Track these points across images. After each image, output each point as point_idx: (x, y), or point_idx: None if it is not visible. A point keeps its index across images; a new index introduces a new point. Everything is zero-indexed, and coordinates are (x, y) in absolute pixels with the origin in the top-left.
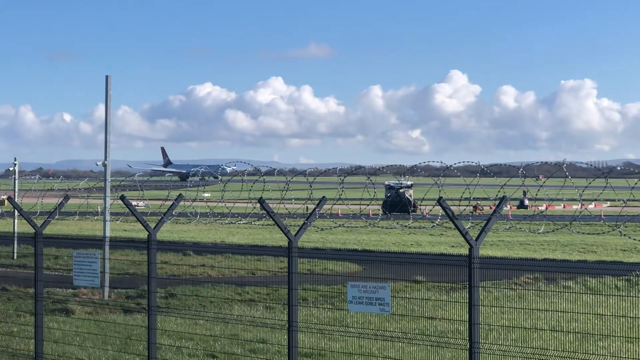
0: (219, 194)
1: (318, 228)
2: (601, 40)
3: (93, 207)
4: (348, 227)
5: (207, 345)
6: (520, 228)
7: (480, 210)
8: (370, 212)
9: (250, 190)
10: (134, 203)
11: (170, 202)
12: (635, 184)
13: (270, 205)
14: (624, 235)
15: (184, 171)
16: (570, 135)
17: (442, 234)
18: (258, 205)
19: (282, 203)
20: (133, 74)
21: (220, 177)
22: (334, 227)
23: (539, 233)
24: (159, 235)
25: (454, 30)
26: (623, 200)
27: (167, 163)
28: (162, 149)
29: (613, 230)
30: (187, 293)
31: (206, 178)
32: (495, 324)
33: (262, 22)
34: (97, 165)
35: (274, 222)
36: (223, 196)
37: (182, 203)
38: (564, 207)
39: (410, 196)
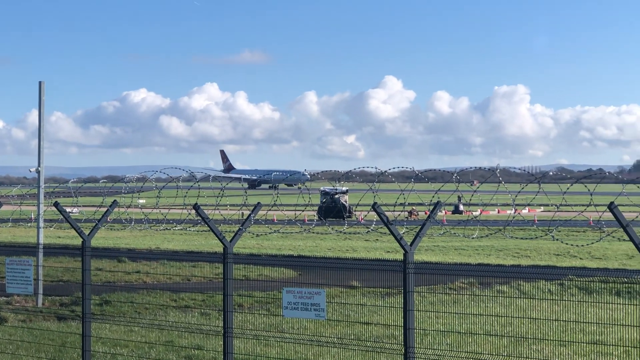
0: (154, 201)
1: (254, 234)
2: (534, 46)
3: (26, 214)
4: (283, 233)
5: (142, 352)
6: (454, 233)
7: (416, 215)
8: (306, 218)
9: (185, 196)
10: (68, 210)
11: (104, 209)
12: (567, 189)
13: (206, 211)
14: (557, 239)
15: (255, 177)
16: (504, 140)
17: (377, 240)
18: (193, 211)
19: (218, 209)
20: (66, 79)
21: (300, 185)
22: (270, 233)
23: (473, 238)
24: (93, 241)
25: (389, 35)
26: (556, 205)
27: (229, 168)
28: (222, 152)
29: (546, 234)
30: (122, 300)
31: (278, 186)
32: (430, 329)
33: (196, 28)
34: (31, 171)
35: (209, 228)
36: (158, 202)
37: (116, 209)
38: (498, 212)
39: (346, 202)
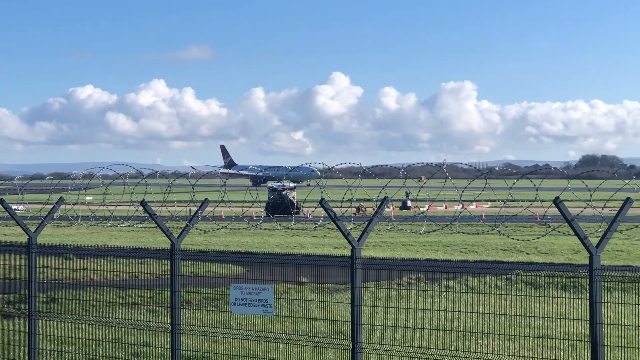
0: (101, 197)
1: (201, 230)
2: (481, 42)
3: None
4: (231, 229)
5: (89, 350)
6: (401, 229)
7: (364, 211)
8: (254, 214)
9: (132, 193)
10: (13, 207)
11: (51, 206)
12: (514, 184)
13: (153, 207)
14: (503, 234)
15: (260, 174)
16: (452, 136)
17: (325, 236)
18: (140, 208)
19: (165, 205)
20: (11, 76)
21: (308, 182)
22: (217, 229)
23: (420, 233)
24: (39, 239)
25: (336, 31)
26: (502, 201)
27: (230, 164)
28: (223, 148)
29: (492, 230)
30: (69, 297)
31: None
32: (378, 324)
33: (142, 24)
34: None
35: (156, 225)
36: (105, 199)
37: (63, 206)
38: (446, 207)
39: (294, 198)
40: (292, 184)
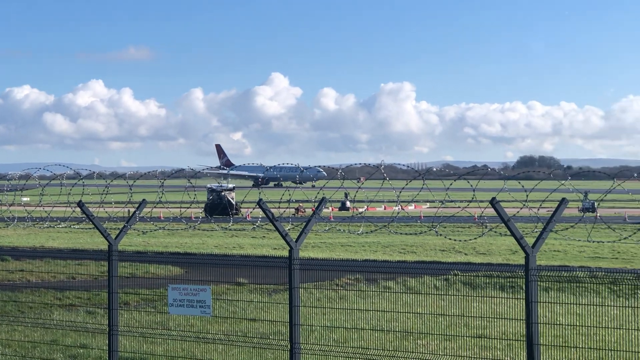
0: (38, 198)
1: (140, 231)
2: (419, 43)
3: None
4: (170, 230)
5: (25, 352)
6: (339, 229)
7: (303, 212)
8: (193, 215)
9: (69, 194)
10: None
11: None
12: (451, 184)
13: (90, 208)
14: (440, 235)
15: (260, 175)
16: (391, 137)
17: (264, 237)
18: (78, 208)
19: (102, 206)
20: None
21: (313, 183)
22: (155, 230)
23: (358, 234)
24: None
25: (275, 32)
26: (440, 202)
27: (227, 164)
28: (218, 147)
29: (430, 230)
30: (5, 299)
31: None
32: (317, 325)
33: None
34: None
35: (94, 226)
36: (41, 200)
37: None
38: (385, 208)
39: (233, 199)
40: (231, 185)
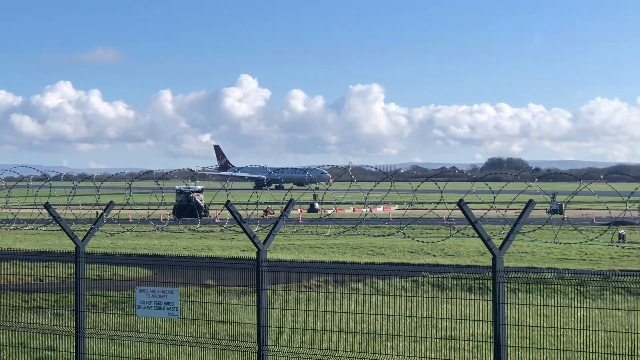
0: (4, 200)
1: (108, 233)
2: (388, 45)
3: None
4: (139, 232)
5: None
6: (307, 231)
7: (271, 214)
8: (161, 217)
9: (36, 195)
10: None
11: None
12: (418, 186)
13: (58, 210)
14: (408, 237)
15: (263, 176)
16: (360, 139)
17: (233, 238)
18: (45, 210)
19: (69, 208)
20: None
21: (317, 185)
22: (123, 232)
23: (326, 236)
24: None
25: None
26: (409, 203)
27: (226, 165)
28: (217, 148)
29: (398, 232)
30: None
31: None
32: (285, 327)
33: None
34: None
35: (61, 228)
36: (8, 202)
37: None
38: (354, 210)
39: (201, 200)
40: (199, 187)
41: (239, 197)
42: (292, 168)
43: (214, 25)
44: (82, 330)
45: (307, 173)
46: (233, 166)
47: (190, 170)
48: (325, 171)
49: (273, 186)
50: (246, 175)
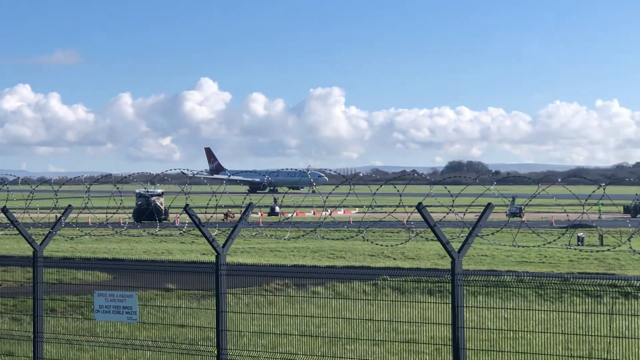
0: None
1: (67, 237)
2: (348, 49)
3: None
4: (98, 235)
5: None
6: (265, 235)
7: (232, 217)
8: (121, 221)
9: None
10: None
11: None
12: (377, 190)
13: (15, 214)
14: (367, 240)
15: (257, 180)
16: (320, 142)
17: (193, 242)
18: (2, 214)
19: (27, 212)
20: None
21: (314, 188)
22: (81, 236)
23: (285, 239)
24: None
25: (204, 37)
26: (367, 207)
27: (218, 169)
28: (208, 151)
29: (357, 235)
30: None
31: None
32: (245, 330)
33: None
34: None
35: (18, 232)
36: None
37: None
38: (314, 213)
39: (161, 204)
40: (160, 190)
41: (199, 200)
42: (287, 171)
43: (174, 28)
44: (41, 335)
45: (301, 175)
46: (225, 169)
47: (183, 172)
48: (322, 174)
49: (267, 189)
50: (240, 178)
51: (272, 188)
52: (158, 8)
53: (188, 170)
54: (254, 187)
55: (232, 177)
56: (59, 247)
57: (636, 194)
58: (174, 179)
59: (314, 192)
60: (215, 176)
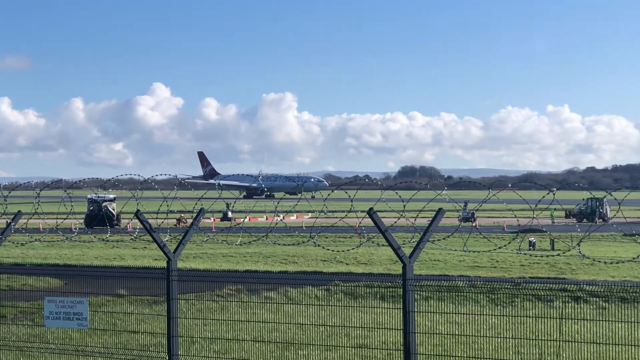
0: None
1: (18, 243)
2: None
3: None
4: (50, 241)
5: None
6: (217, 240)
7: (184, 222)
8: (73, 226)
9: None
10: None
11: None
12: (329, 195)
13: None
14: (318, 245)
15: (254, 185)
16: (273, 147)
17: (145, 247)
18: None
19: None
20: None
21: (313, 194)
22: (31, 242)
23: (236, 244)
24: None
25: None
26: (323, 212)
27: (212, 173)
28: (201, 155)
29: (308, 240)
30: None
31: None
32: (198, 336)
33: None
34: None
35: None
36: None
37: None
38: (267, 218)
39: (113, 209)
40: (112, 196)
41: (151, 206)
42: (285, 176)
43: (126, 32)
44: None
45: (303, 181)
46: (219, 174)
47: (178, 178)
48: (322, 179)
49: (264, 195)
50: (236, 183)
51: (268, 193)
52: (110, 12)
53: (185, 175)
54: (251, 193)
55: (225, 182)
56: (9, 253)
57: (583, 199)
58: (125, 185)
59: (313, 197)
60: (211, 181)
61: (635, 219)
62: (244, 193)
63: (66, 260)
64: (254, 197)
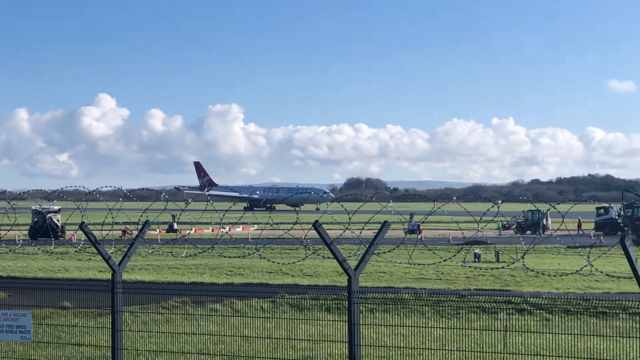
0: None
1: None
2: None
3: None
4: None
5: None
6: (163, 252)
7: (130, 234)
8: (16, 238)
9: None
10: None
11: None
12: (275, 207)
13: None
14: (263, 258)
15: (256, 196)
16: (219, 159)
17: (90, 259)
18: None
19: None
20: None
21: (317, 206)
22: None
23: (181, 257)
24: None
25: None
26: (268, 224)
27: (210, 183)
28: (198, 165)
29: (254, 253)
30: None
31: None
32: (143, 349)
33: None
34: None
35: None
36: None
37: None
38: (213, 230)
39: (58, 221)
40: (56, 207)
41: (96, 217)
42: (287, 188)
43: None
44: None
45: (308, 193)
46: (216, 185)
47: (177, 189)
48: (327, 191)
49: (265, 208)
50: (235, 194)
51: (269, 205)
52: (55, 22)
53: (183, 186)
54: (252, 205)
55: (225, 194)
56: None
57: (522, 211)
58: (70, 196)
59: (317, 209)
60: (211, 192)
61: (578, 231)
62: (245, 204)
63: (10, 272)
64: (255, 209)
